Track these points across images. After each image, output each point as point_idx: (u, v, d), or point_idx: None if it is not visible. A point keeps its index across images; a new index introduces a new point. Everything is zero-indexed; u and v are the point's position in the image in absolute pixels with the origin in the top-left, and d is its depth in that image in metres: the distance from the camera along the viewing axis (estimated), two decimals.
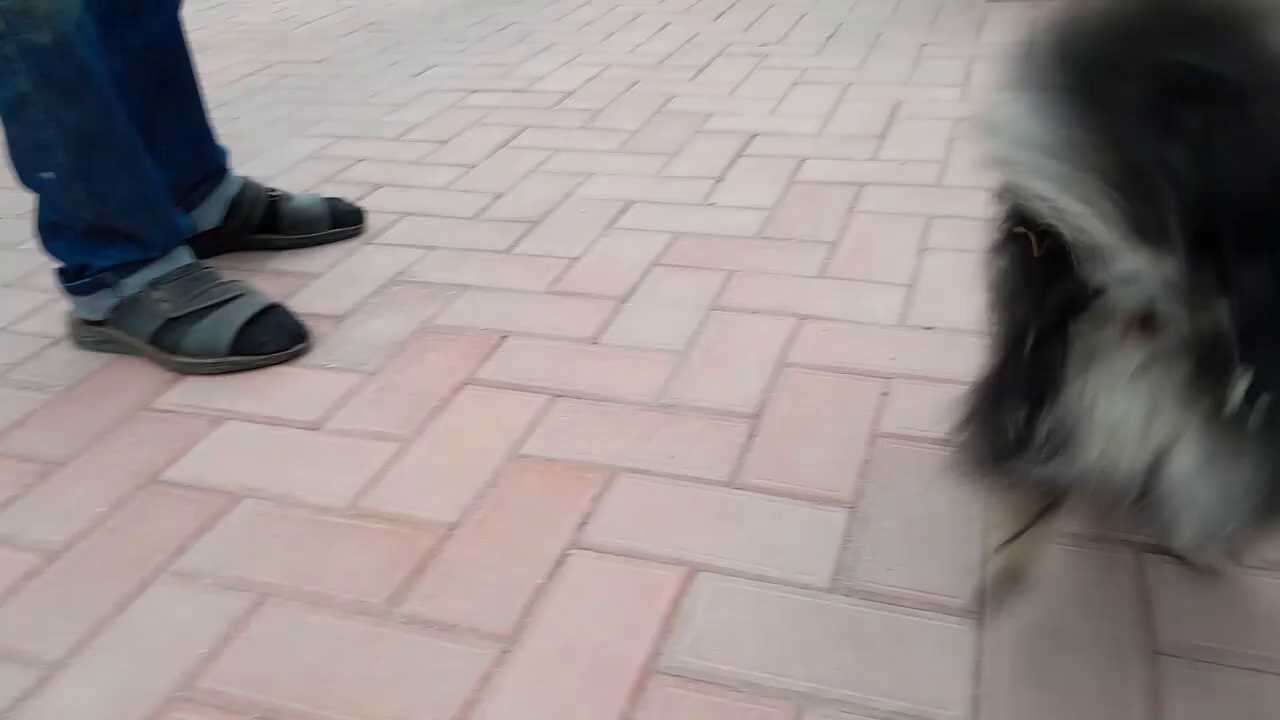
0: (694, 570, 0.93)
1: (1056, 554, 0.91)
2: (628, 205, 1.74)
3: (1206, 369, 0.50)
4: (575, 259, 1.55)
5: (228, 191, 1.59)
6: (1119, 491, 0.57)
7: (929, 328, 1.30)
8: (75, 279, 1.35)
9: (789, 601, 0.89)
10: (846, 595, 0.89)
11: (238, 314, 1.32)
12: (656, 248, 1.57)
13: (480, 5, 3.36)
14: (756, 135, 2.01)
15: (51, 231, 1.34)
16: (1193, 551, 0.67)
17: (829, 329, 1.31)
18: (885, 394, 1.17)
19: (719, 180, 1.82)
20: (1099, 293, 0.52)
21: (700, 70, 2.48)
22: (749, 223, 1.64)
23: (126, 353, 1.35)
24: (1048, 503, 0.69)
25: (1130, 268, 0.49)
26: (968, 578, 0.90)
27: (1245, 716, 0.76)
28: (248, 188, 1.61)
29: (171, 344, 1.31)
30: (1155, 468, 0.54)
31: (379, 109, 2.35)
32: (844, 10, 2.93)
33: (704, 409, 1.17)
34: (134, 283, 1.34)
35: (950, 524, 0.97)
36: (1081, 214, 0.49)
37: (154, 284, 1.34)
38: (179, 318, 1.32)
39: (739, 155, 1.92)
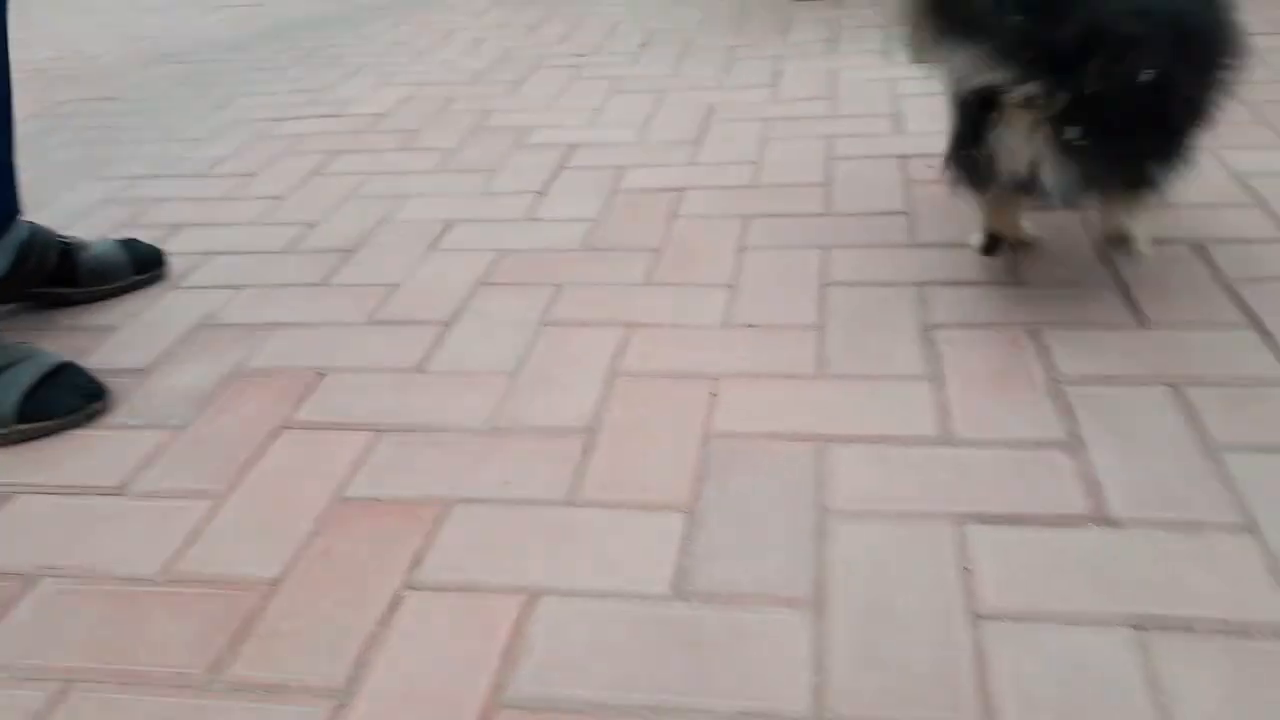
0: (534, 596, 0.91)
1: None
2: (449, 225, 1.70)
3: (1055, 125, 1.10)
4: (396, 285, 1.51)
5: (16, 237, 1.44)
6: (1021, 181, 1.17)
7: (751, 325, 1.32)
8: None
9: (631, 614, 0.88)
10: (687, 600, 0.89)
11: (21, 377, 1.21)
12: (481, 267, 1.54)
13: (287, 32, 3.24)
14: (577, 147, 2.01)
15: None
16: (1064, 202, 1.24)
17: (657, 335, 1.32)
18: (714, 394, 1.18)
19: (542, 194, 1.80)
20: (1007, 95, 1.10)
21: (517, 84, 2.46)
22: (574, 235, 1.63)
23: None
24: (999, 189, 1.26)
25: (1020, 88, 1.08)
26: (803, 568, 0.91)
27: (1064, 668, 0.79)
28: (36, 233, 1.48)
29: None
30: (1035, 169, 1.14)
31: (180, 145, 2.22)
32: (655, 18, 2.98)
33: (538, 428, 1.15)
34: None
35: (783, 515, 0.98)
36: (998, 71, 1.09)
37: None
38: None
39: (561, 168, 1.91)
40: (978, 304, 1.31)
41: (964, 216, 1.53)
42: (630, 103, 2.25)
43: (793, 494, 1.01)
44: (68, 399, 1.23)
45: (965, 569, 0.90)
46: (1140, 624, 0.83)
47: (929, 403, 1.13)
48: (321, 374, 1.28)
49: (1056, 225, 1.47)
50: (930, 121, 1.94)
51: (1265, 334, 1.18)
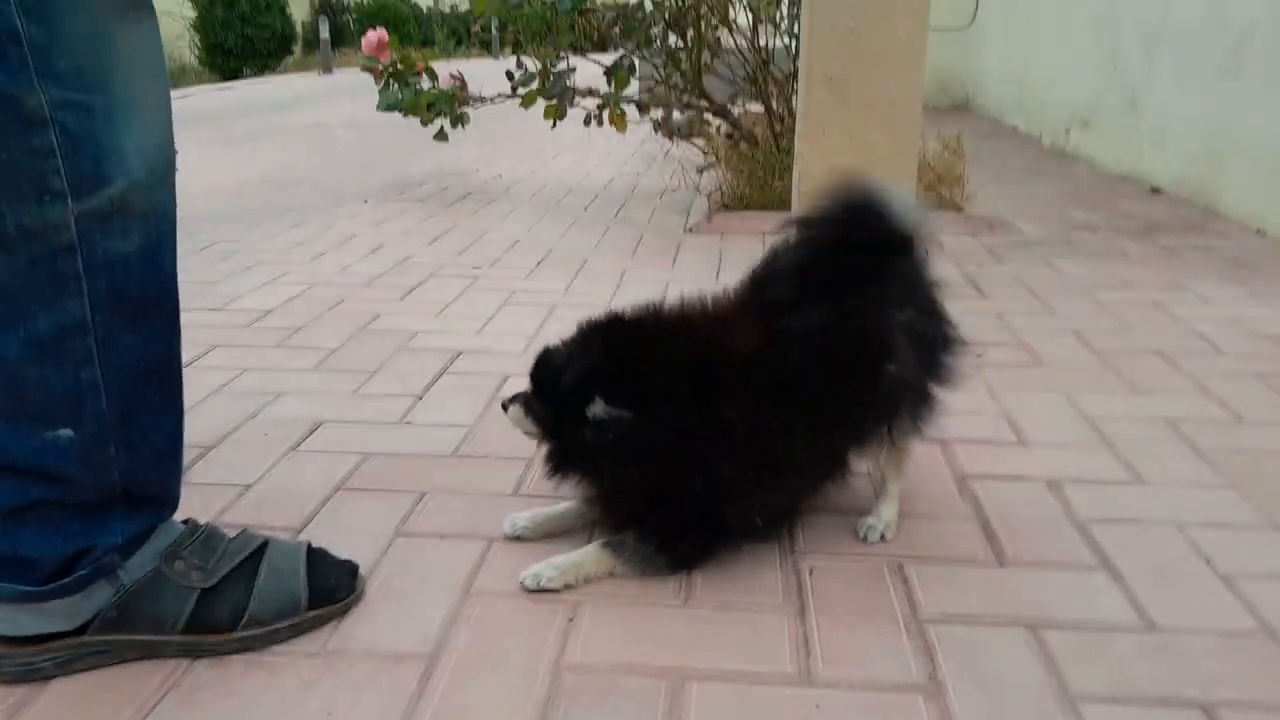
0: None
1: None
2: (317, 426, 1.64)
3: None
4: (249, 486, 1.43)
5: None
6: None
7: None
8: (53, 578, 0.97)
9: None
10: None
11: (290, 561, 1.12)
12: (343, 470, 1.48)
13: (183, 224, 3.24)
14: (462, 353, 2.01)
15: (17, 518, 0.95)
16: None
17: (520, 550, 1.26)
18: (571, 619, 1.12)
19: (419, 398, 1.77)
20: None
21: (410, 290, 2.48)
22: (447, 440, 1.59)
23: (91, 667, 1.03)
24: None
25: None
26: None
27: None
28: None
29: (224, 620, 1.05)
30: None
31: None
32: (554, 238, 3.09)
33: (374, 652, 1.06)
34: (143, 560, 1.03)
35: None
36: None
37: (172, 553, 1.04)
38: (216, 585, 1.05)
39: (442, 373, 1.90)
40: (841, 533, 1.30)
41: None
42: (522, 314, 2.28)
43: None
44: (342, 579, 1.15)
45: None
46: None
47: (790, 637, 1.09)
48: None
49: (917, 458, 1.50)
50: None
51: (1116, 576, 1.20)
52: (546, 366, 1.24)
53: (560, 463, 1.24)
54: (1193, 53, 3.49)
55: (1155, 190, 3.69)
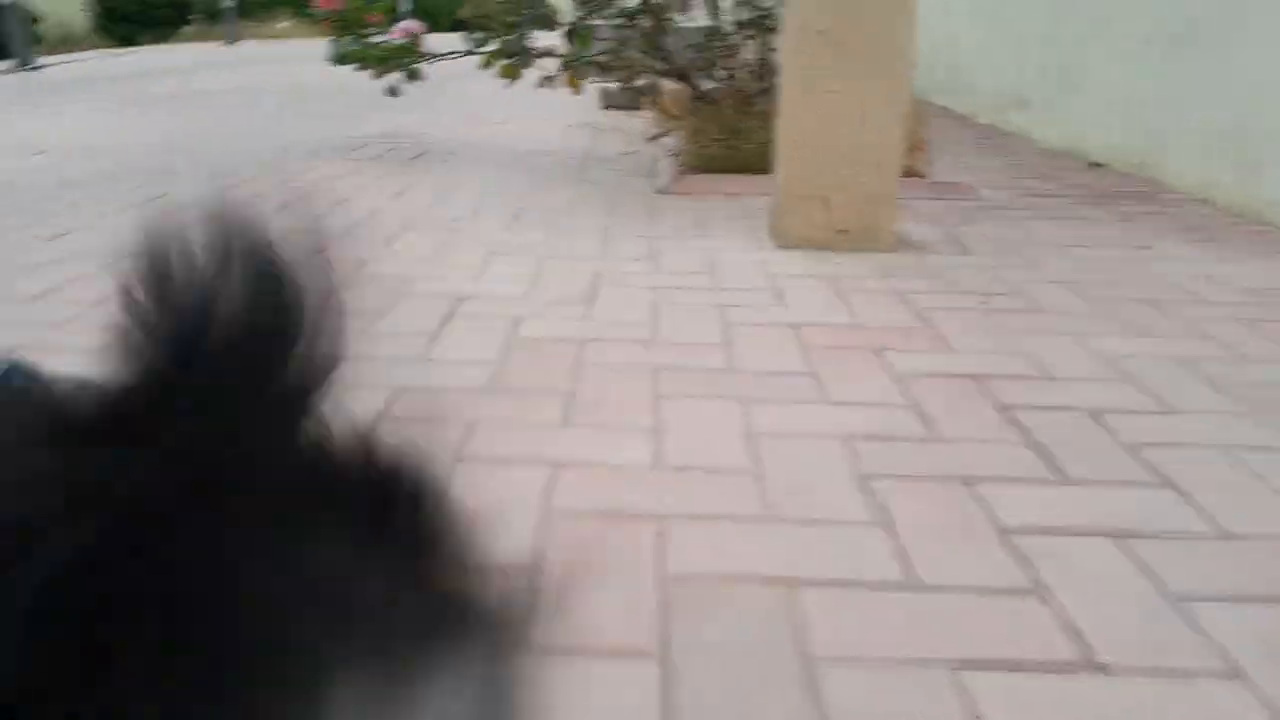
0: None
1: None
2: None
3: None
4: None
5: None
6: None
7: (684, 468, 1.25)
8: None
9: None
10: None
11: None
12: (377, 404, 1.41)
13: (125, 178, 3.05)
14: (466, 298, 1.94)
15: None
16: None
17: (587, 475, 1.22)
18: (659, 534, 1.09)
19: (434, 338, 1.70)
20: None
21: (390, 240, 2.39)
22: (476, 376, 1.53)
23: None
24: None
25: None
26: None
27: None
28: None
29: None
30: None
31: None
32: (522, 198, 3.01)
33: None
34: None
35: (768, 664, 0.88)
36: None
37: None
38: None
39: (451, 316, 1.83)
40: (908, 456, 1.30)
41: (872, 379, 1.56)
42: (512, 263, 2.22)
43: (773, 641, 0.92)
44: None
45: (977, 719, 0.82)
46: None
47: (886, 549, 1.08)
48: None
49: (959, 392, 1.51)
50: (809, 296, 2.01)
51: (1181, 493, 1.23)
52: None
53: None
54: (1134, 34, 3.63)
55: (1094, 165, 3.83)
